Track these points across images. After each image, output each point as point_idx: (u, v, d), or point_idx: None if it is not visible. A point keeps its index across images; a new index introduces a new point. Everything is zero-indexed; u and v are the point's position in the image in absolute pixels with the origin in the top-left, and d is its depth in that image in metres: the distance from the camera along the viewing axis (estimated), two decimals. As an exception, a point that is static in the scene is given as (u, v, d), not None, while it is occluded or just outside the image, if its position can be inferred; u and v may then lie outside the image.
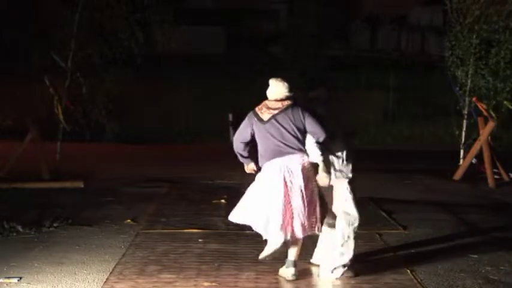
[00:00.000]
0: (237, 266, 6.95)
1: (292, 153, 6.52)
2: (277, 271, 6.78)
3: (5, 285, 6.30)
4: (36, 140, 12.02)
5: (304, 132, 6.58)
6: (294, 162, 6.50)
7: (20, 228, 8.21)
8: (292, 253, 6.63)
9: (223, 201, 10.17)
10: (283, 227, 6.39)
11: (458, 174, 12.90)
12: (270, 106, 6.64)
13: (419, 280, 6.62)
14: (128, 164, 13.95)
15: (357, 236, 6.67)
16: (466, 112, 14.18)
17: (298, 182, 6.45)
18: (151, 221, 8.93)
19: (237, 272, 6.77)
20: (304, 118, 6.55)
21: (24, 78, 15.83)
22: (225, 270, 6.81)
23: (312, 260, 7.04)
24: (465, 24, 13.80)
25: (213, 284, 6.39)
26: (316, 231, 6.57)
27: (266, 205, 6.47)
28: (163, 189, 11.25)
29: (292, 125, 6.53)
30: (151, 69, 19.93)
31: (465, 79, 13.99)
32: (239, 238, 7.99)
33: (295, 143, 6.53)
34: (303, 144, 6.56)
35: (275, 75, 6.87)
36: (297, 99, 6.72)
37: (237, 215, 6.68)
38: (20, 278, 6.46)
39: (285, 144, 6.52)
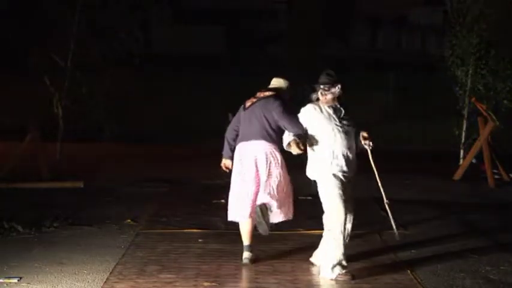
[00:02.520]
0: (237, 266, 6.96)
1: (256, 139, 6.93)
2: (278, 271, 6.80)
3: (5, 285, 6.30)
4: (36, 140, 12.02)
5: (274, 123, 6.90)
6: (257, 148, 6.93)
7: (20, 228, 8.21)
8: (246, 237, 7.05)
9: (223, 201, 10.14)
10: (240, 208, 6.96)
11: (458, 174, 12.90)
12: (255, 95, 7.14)
13: (419, 280, 6.62)
14: (128, 164, 13.94)
15: (347, 235, 6.75)
16: (465, 112, 14.18)
17: (253, 165, 6.91)
18: (151, 221, 8.94)
19: (237, 272, 6.78)
20: (274, 109, 6.87)
21: (24, 78, 15.84)
22: (225, 270, 6.81)
23: (311, 259, 7.05)
24: (465, 24, 13.80)
25: (213, 284, 6.39)
26: (285, 218, 7.08)
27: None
28: (163, 189, 11.24)
29: (260, 115, 6.94)
30: (151, 69, 19.94)
31: (465, 79, 13.99)
32: (239, 238, 7.97)
33: (260, 131, 6.92)
34: (270, 134, 6.89)
35: (275, 75, 7.19)
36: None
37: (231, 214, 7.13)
38: (20, 278, 6.46)
39: (251, 132, 6.96)
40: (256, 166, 6.95)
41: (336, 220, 6.55)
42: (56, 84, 13.77)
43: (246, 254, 7.02)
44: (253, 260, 7.02)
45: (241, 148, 7.07)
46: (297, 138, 6.67)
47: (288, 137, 6.79)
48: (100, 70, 13.94)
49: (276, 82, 7.24)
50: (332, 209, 6.58)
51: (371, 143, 6.73)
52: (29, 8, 14.65)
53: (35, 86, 14.18)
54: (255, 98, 7.13)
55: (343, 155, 6.64)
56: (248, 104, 7.12)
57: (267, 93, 7.08)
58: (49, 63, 13.76)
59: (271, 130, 6.93)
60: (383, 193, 6.77)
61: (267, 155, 6.93)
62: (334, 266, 6.55)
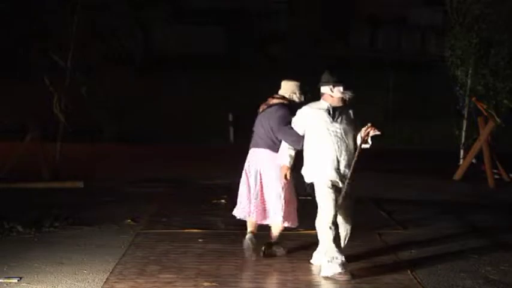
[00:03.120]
0: (237, 266, 6.96)
1: (262, 147, 7.10)
2: (278, 271, 6.81)
3: (5, 285, 6.30)
4: (36, 140, 12.02)
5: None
6: (261, 156, 7.09)
7: (20, 228, 8.21)
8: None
9: (223, 201, 10.18)
10: (242, 208, 7.21)
11: (458, 174, 12.90)
12: (266, 102, 7.22)
13: (419, 280, 6.62)
14: (128, 164, 13.95)
15: (347, 236, 6.84)
16: (465, 112, 14.18)
17: (257, 172, 7.10)
18: (151, 221, 8.93)
19: (237, 272, 6.78)
20: (274, 119, 7.00)
21: (24, 78, 15.84)
22: (225, 270, 6.81)
23: (311, 261, 7.05)
24: (465, 24, 13.80)
25: (213, 284, 6.39)
26: (287, 224, 7.11)
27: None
28: (164, 189, 11.24)
29: (266, 123, 7.08)
30: (152, 69, 19.92)
31: (465, 79, 13.99)
32: (239, 238, 7.99)
33: (265, 139, 7.08)
34: (275, 143, 7.02)
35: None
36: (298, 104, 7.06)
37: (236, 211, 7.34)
38: (20, 278, 6.46)
39: (260, 138, 7.13)
40: (260, 175, 7.10)
41: (322, 219, 6.60)
42: (56, 84, 13.77)
43: (249, 235, 7.15)
44: (255, 246, 7.08)
45: (251, 154, 7.22)
46: (289, 166, 6.88)
47: (284, 153, 6.91)
48: (100, 70, 13.93)
49: (283, 87, 7.23)
50: (321, 209, 6.65)
51: (368, 141, 6.70)
52: (29, 8, 14.63)
53: (35, 85, 14.17)
54: (265, 104, 7.21)
55: (337, 159, 6.63)
56: (261, 109, 7.23)
57: (275, 101, 7.15)
58: (49, 63, 13.74)
59: (276, 139, 7.04)
60: (351, 169, 6.69)
61: (270, 165, 7.05)
62: (329, 262, 6.55)
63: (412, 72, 22.22)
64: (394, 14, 31.77)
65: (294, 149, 6.90)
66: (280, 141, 6.99)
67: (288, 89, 7.18)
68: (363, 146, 6.67)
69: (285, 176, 6.90)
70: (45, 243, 7.69)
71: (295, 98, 7.16)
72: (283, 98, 7.15)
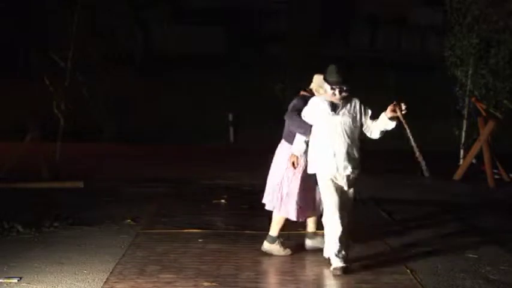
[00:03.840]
0: (237, 266, 6.96)
1: (283, 138, 7.26)
2: (278, 271, 6.81)
3: (5, 285, 6.30)
4: (36, 140, 12.01)
5: None
6: (280, 147, 7.27)
7: (20, 228, 8.20)
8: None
9: (223, 201, 10.18)
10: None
11: (458, 174, 12.89)
12: None
13: (419, 280, 6.62)
14: (128, 164, 13.93)
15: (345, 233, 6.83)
16: (465, 112, 14.18)
17: (274, 163, 7.27)
18: (151, 221, 8.93)
19: (237, 272, 6.78)
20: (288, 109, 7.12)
21: (24, 78, 15.84)
22: (225, 270, 6.81)
23: (324, 254, 7.09)
24: (465, 24, 13.80)
25: (213, 284, 6.39)
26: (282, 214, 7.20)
27: None
28: (163, 189, 11.23)
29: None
30: (151, 69, 19.91)
31: (465, 79, 13.99)
32: (239, 238, 8.00)
33: (285, 131, 7.24)
34: (289, 134, 7.12)
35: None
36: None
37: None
38: (20, 278, 6.46)
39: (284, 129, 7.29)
40: (273, 164, 7.27)
41: (328, 219, 6.69)
42: (56, 84, 13.77)
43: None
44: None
45: None
46: (298, 155, 6.93)
47: (295, 142, 6.96)
48: (100, 70, 13.93)
49: (313, 80, 7.23)
50: (326, 209, 6.71)
51: (403, 109, 6.75)
52: (28, 7, 14.63)
53: (35, 85, 14.18)
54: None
55: (334, 152, 6.64)
56: None
57: (301, 93, 7.21)
58: (49, 63, 13.74)
59: (290, 131, 7.12)
60: (414, 144, 6.84)
61: (278, 153, 7.21)
62: (333, 256, 6.65)
63: (412, 72, 22.21)
64: (394, 14, 31.77)
65: (306, 138, 6.87)
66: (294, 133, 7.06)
67: (315, 82, 7.16)
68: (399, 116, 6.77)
69: (293, 164, 6.94)
70: (45, 243, 7.69)
71: (321, 91, 6.99)
72: (310, 91, 7.18)
